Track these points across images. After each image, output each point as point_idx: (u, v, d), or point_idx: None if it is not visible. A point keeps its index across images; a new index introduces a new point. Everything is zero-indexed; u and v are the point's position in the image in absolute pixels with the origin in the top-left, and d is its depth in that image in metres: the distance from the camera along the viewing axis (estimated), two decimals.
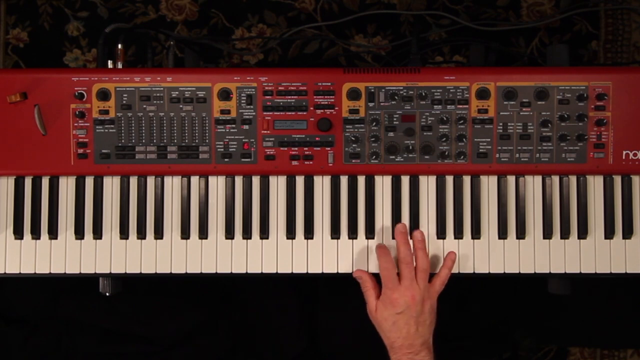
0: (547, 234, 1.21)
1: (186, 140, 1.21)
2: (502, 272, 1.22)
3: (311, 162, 1.21)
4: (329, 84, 1.20)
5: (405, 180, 1.22)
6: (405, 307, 1.14)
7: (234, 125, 1.21)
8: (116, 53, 1.26)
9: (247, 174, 1.22)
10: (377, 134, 1.20)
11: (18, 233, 1.22)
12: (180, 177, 1.23)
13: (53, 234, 1.22)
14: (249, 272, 1.22)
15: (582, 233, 1.21)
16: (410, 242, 1.19)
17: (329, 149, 1.21)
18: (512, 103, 1.19)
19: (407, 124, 1.20)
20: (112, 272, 1.22)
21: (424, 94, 1.19)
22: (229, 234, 1.22)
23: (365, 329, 1.24)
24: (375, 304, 1.17)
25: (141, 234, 1.22)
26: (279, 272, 1.22)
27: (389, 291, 1.15)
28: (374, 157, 1.21)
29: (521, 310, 1.56)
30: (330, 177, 1.23)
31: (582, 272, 1.21)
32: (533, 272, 1.21)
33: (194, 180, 1.23)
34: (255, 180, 1.23)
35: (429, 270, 1.18)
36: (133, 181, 1.23)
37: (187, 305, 1.43)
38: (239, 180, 1.23)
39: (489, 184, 1.22)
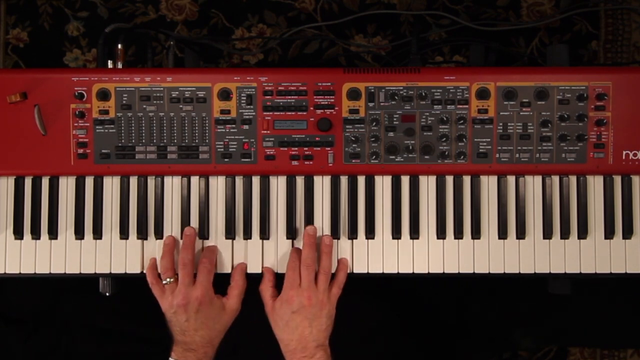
0: (547, 234, 1.21)
1: (186, 140, 1.21)
2: (502, 272, 1.21)
3: (311, 162, 1.21)
4: (329, 84, 1.20)
5: (405, 180, 1.22)
6: (300, 306, 1.14)
7: (234, 125, 1.21)
8: (116, 53, 1.26)
9: (247, 174, 1.22)
10: (377, 134, 1.20)
11: (18, 233, 1.22)
12: (180, 177, 1.23)
13: (53, 234, 1.22)
14: (249, 272, 1.22)
15: (582, 233, 1.21)
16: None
17: (329, 149, 1.21)
18: (512, 103, 1.19)
19: (407, 124, 1.20)
20: (112, 272, 1.22)
21: (424, 94, 1.19)
22: (229, 234, 1.22)
23: (365, 329, 1.25)
24: (272, 302, 1.17)
25: (141, 234, 1.22)
26: (278, 272, 1.22)
27: (287, 289, 1.16)
28: (374, 157, 1.21)
29: (521, 310, 1.56)
30: (330, 177, 1.23)
31: (582, 272, 1.21)
32: (533, 272, 1.21)
33: (194, 180, 1.23)
34: (255, 180, 1.23)
35: (330, 275, 1.18)
36: (133, 181, 1.23)
37: None
38: (239, 180, 1.23)
39: (489, 184, 1.22)
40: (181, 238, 1.22)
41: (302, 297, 1.14)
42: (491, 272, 1.22)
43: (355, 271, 1.22)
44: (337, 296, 1.18)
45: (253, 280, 1.22)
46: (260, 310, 1.29)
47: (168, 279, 1.17)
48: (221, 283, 1.21)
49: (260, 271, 1.22)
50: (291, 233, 1.22)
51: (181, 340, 1.15)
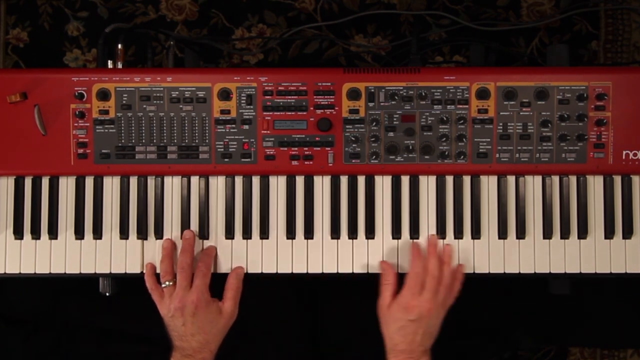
0: (547, 234, 1.21)
1: (186, 140, 1.21)
2: (502, 272, 1.22)
3: (311, 162, 1.21)
4: (329, 84, 1.20)
5: (405, 180, 1.22)
6: (419, 316, 1.13)
7: (234, 125, 1.21)
8: (116, 53, 1.26)
9: (247, 174, 1.22)
10: (377, 134, 1.20)
11: (18, 233, 1.22)
12: (180, 177, 1.23)
13: (53, 234, 1.22)
14: (249, 272, 1.22)
15: (582, 233, 1.21)
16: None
17: (329, 149, 1.21)
18: (512, 103, 1.19)
19: (407, 124, 1.20)
20: (112, 272, 1.22)
21: (424, 94, 1.19)
22: (229, 234, 1.22)
23: (365, 329, 1.24)
24: (389, 301, 1.16)
25: (141, 234, 1.22)
26: (279, 272, 1.22)
27: (409, 296, 1.14)
28: (374, 157, 1.21)
29: (521, 310, 1.56)
30: (330, 177, 1.23)
31: (582, 272, 1.21)
32: (533, 272, 1.21)
33: (194, 180, 1.23)
34: (255, 180, 1.23)
35: (454, 287, 1.18)
36: (133, 181, 1.23)
37: None
38: (239, 180, 1.23)
39: (489, 184, 1.22)
40: (182, 238, 1.21)
41: (422, 308, 1.13)
42: (491, 272, 1.22)
43: (355, 271, 1.22)
44: (449, 305, 1.18)
45: (250, 283, 1.21)
46: (260, 310, 1.29)
47: (167, 282, 1.17)
48: (221, 284, 1.21)
49: (260, 271, 1.22)
50: (291, 233, 1.22)
51: (179, 345, 1.15)
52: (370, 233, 1.22)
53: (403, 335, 1.14)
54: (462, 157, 1.20)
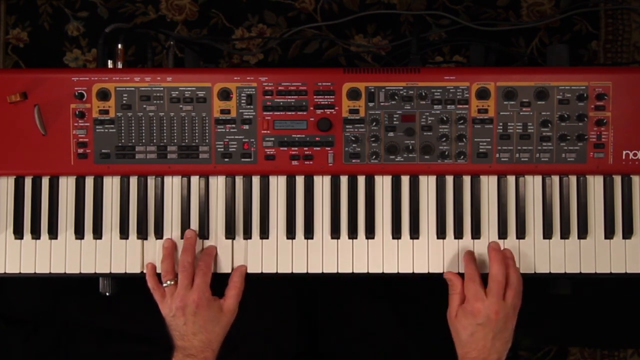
0: (547, 234, 1.21)
1: (186, 140, 1.21)
2: None
3: (311, 162, 1.21)
4: (329, 84, 1.20)
5: (405, 180, 1.22)
6: (486, 319, 1.12)
7: (234, 125, 1.21)
8: (116, 53, 1.26)
9: (247, 174, 1.22)
10: (377, 134, 1.20)
11: (18, 233, 1.22)
12: (180, 177, 1.23)
13: (53, 234, 1.22)
14: (249, 272, 1.22)
15: (582, 233, 1.21)
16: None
17: (329, 149, 1.21)
18: (512, 103, 1.19)
19: (407, 124, 1.20)
20: (112, 272, 1.22)
21: (424, 94, 1.19)
22: (229, 234, 1.22)
23: (364, 329, 1.24)
24: (456, 310, 1.15)
25: (141, 234, 1.22)
26: (278, 272, 1.22)
27: (472, 300, 1.13)
28: (374, 157, 1.21)
29: (521, 310, 1.56)
30: (330, 177, 1.23)
31: (582, 272, 1.21)
32: (533, 272, 1.21)
33: (194, 180, 1.23)
34: (255, 180, 1.23)
35: (520, 291, 1.16)
36: (133, 181, 1.23)
37: None
38: (239, 180, 1.23)
39: (489, 184, 1.22)
40: (182, 238, 1.22)
41: (489, 310, 1.12)
42: None
43: (355, 271, 1.22)
44: (519, 306, 1.16)
45: (249, 282, 1.22)
46: (259, 310, 1.29)
47: (168, 282, 1.17)
48: (221, 283, 1.21)
49: (260, 271, 1.22)
50: (291, 233, 1.22)
51: (181, 345, 1.15)
52: (370, 233, 1.22)
53: (474, 341, 1.12)
54: (462, 157, 1.20)
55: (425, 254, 1.22)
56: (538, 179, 1.22)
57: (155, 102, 1.20)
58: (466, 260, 1.18)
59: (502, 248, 1.20)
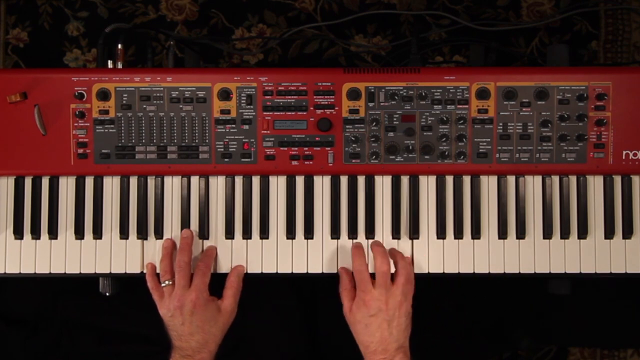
0: (547, 234, 1.21)
1: (186, 140, 1.21)
2: (502, 272, 1.21)
3: (311, 162, 1.21)
4: (329, 84, 1.20)
5: (405, 180, 1.22)
6: (377, 310, 1.13)
7: (234, 125, 1.21)
8: (116, 53, 1.26)
9: (247, 174, 1.22)
10: (377, 134, 1.20)
11: (18, 233, 1.22)
12: (180, 177, 1.23)
13: (53, 234, 1.22)
14: (249, 272, 1.22)
15: (582, 233, 1.21)
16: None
17: (329, 149, 1.21)
18: (512, 103, 1.19)
19: (407, 124, 1.20)
20: (112, 272, 1.22)
21: (424, 94, 1.19)
22: (229, 234, 1.22)
23: None
24: (350, 306, 1.17)
25: (141, 234, 1.22)
26: (278, 272, 1.22)
27: (362, 293, 1.14)
28: (374, 157, 1.21)
29: (521, 310, 1.56)
30: (330, 177, 1.23)
31: (582, 272, 1.21)
32: (533, 272, 1.21)
33: (194, 180, 1.23)
34: (255, 180, 1.23)
35: (411, 278, 1.17)
36: (133, 181, 1.23)
37: None
38: (239, 180, 1.23)
39: (489, 184, 1.22)
40: None
41: (379, 300, 1.13)
42: (491, 272, 1.22)
43: None
44: (411, 292, 1.16)
45: (249, 282, 1.22)
46: (259, 310, 1.29)
47: (167, 281, 1.17)
48: (221, 283, 1.21)
49: (260, 271, 1.22)
50: (291, 233, 1.22)
51: (178, 345, 1.15)
52: (370, 233, 1.22)
53: (370, 334, 1.13)
54: (462, 157, 1.20)
55: (425, 254, 1.22)
56: (538, 179, 1.22)
57: (155, 102, 1.20)
58: (354, 255, 1.19)
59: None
